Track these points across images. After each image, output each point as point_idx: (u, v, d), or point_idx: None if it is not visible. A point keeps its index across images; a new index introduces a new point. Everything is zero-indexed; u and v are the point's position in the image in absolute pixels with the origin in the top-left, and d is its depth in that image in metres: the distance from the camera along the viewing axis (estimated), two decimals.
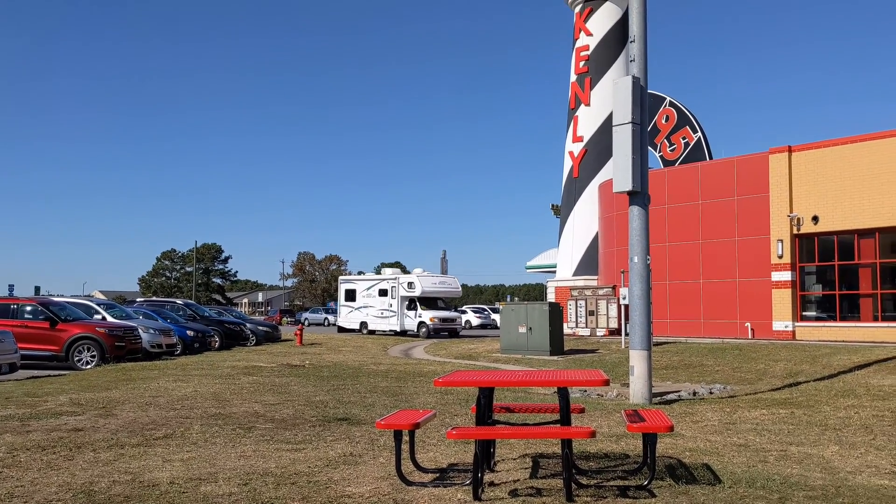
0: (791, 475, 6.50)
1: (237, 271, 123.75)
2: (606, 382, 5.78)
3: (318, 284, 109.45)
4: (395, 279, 38.18)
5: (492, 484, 6.25)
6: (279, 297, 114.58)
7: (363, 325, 39.44)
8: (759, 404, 11.95)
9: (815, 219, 25.35)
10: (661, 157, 35.69)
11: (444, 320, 36.48)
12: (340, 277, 43.72)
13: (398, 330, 37.31)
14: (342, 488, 6.18)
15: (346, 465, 7.19)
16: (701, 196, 28.56)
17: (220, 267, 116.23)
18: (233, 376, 16.63)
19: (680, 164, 33.56)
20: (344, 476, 6.65)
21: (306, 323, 57.97)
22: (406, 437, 6.57)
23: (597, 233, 35.64)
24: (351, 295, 40.55)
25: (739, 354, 19.96)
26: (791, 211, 25.79)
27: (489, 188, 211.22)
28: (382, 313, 38.30)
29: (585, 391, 14.59)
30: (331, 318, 59.92)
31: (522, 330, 22.36)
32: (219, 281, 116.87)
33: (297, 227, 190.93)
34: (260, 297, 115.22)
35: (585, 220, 36.89)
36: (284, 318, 62.19)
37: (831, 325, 25.19)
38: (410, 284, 37.10)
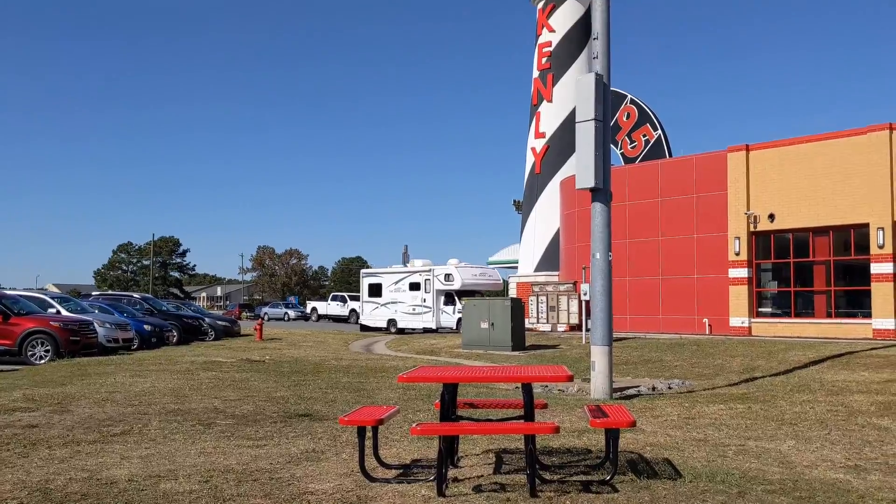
0: (750, 469, 6.61)
1: (195, 265, 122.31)
2: (570, 378, 5.81)
3: (277, 279, 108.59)
4: (428, 271, 35.13)
5: (455, 480, 6.24)
6: (238, 292, 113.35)
7: (391, 322, 36.38)
8: (717, 399, 12.13)
9: (772, 217, 25.85)
10: (622, 154, 36.08)
11: None
12: (362, 271, 40.30)
13: (434, 327, 34.39)
14: (305, 485, 6.12)
15: (309, 461, 7.13)
16: (661, 193, 28.93)
17: (178, 261, 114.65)
18: (192, 371, 16.41)
19: (640, 161, 33.97)
20: (306, 473, 6.59)
21: (266, 318, 57.39)
22: (369, 434, 6.53)
23: (558, 229, 35.89)
24: (376, 290, 37.27)
25: (697, 350, 20.26)
26: (748, 209, 26.26)
27: (451, 184, 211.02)
28: (414, 309, 35.27)
29: (547, 387, 14.67)
30: (291, 312, 59.44)
31: (484, 325, 22.42)
32: (176, 275, 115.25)
33: (257, 221, 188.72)
34: (218, 291, 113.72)
35: (547, 216, 37.11)
36: (244, 313, 61.37)
37: (786, 321, 25.73)
38: (448, 276, 34.21)
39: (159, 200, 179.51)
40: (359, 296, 57.76)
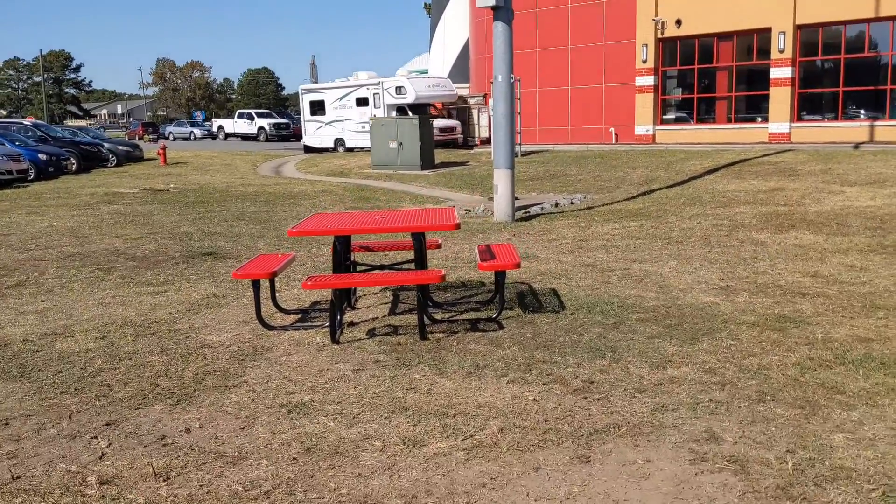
0: (628, 297, 7.03)
1: (91, 81, 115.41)
2: (458, 226, 5.93)
3: (181, 93, 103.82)
4: (377, 84, 32.06)
5: (351, 324, 6.46)
6: (141, 108, 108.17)
7: (339, 142, 33.44)
8: (613, 216, 12.62)
9: (679, 22, 25.73)
10: None
11: (444, 130, 30.96)
12: (301, 87, 36.34)
13: None
14: (203, 337, 6.24)
15: (209, 308, 7.22)
16: None
17: (72, 76, 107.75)
18: (92, 206, 16.00)
19: None
20: (206, 322, 6.69)
21: (171, 137, 55.28)
22: (267, 283, 6.61)
23: (469, 38, 34.91)
24: (318, 107, 34.21)
25: (601, 162, 20.76)
26: (656, 14, 26.00)
27: None
28: (364, 126, 31.66)
29: (454, 207, 14.97)
30: (197, 131, 57.23)
31: (393, 145, 22.25)
32: (72, 91, 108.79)
33: (153, 32, 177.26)
34: (119, 108, 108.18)
35: (457, 23, 35.90)
36: (147, 134, 58.15)
37: (689, 127, 26.40)
38: (400, 89, 31.29)
39: (44, 12, 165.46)
40: (268, 112, 56.22)
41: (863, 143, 21.42)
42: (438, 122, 30.99)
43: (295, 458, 3.91)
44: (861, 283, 7.31)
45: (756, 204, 12.99)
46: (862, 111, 23.72)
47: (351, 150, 32.64)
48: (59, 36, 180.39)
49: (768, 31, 24.05)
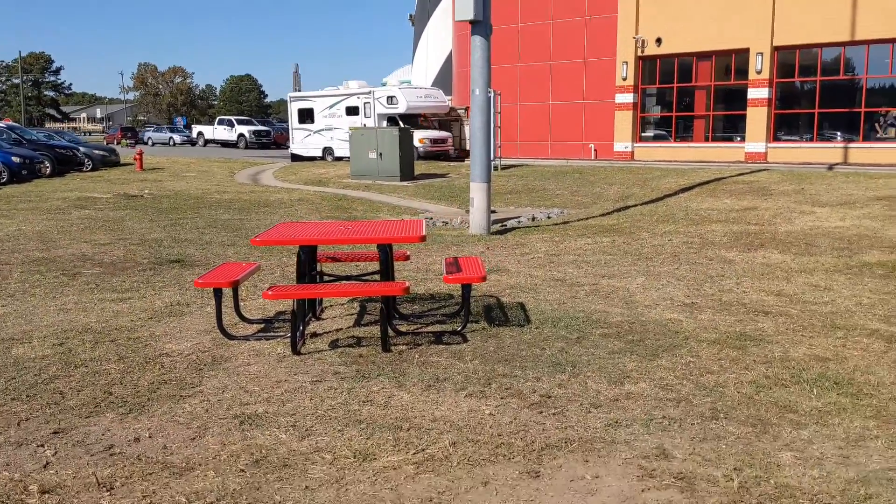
0: (594, 312, 7.04)
1: (71, 84, 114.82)
2: (423, 239, 5.91)
3: (162, 98, 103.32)
4: (368, 94, 31.69)
5: (315, 335, 6.41)
6: (121, 112, 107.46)
7: (327, 151, 32.92)
8: (587, 232, 12.67)
9: (659, 41, 25.97)
10: None
11: (435, 141, 30.68)
12: (290, 95, 35.72)
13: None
14: (162, 345, 6.16)
15: (172, 316, 7.14)
16: (553, 15, 28.41)
17: (52, 79, 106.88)
18: (63, 210, 15.83)
19: None
20: (167, 330, 6.62)
21: (150, 143, 54.84)
22: (230, 291, 6.55)
23: (451, 50, 35.04)
24: (307, 115, 33.59)
25: (580, 178, 20.85)
26: (637, 33, 26.24)
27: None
28: None
29: (431, 218, 14.98)
30: (176, 137, 56.80)
31: (373, 155, 22.22)
32: (52, 94, 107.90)
33: (135, 37, 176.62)
34: (98, 112, 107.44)
35: (440, 34, 36.02)
36: (124, 139, 57.12)
37: (667, 145, 26.61)
38: (391, 99, 31.02)
39: (24, 14, 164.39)
40: (248, 119, 56.02)
41: (837, 164, 21.68)
42: (430, 134, 30.76)
43: (243, 470, 3.86)
44: (824, 303, 7.37)
45: (728, 222, 13.09)
46: (837, 133, 24.04)
47: (340, 158, 31.91)
48: (40, 38, 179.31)
49: (746, 51, 24.34)
